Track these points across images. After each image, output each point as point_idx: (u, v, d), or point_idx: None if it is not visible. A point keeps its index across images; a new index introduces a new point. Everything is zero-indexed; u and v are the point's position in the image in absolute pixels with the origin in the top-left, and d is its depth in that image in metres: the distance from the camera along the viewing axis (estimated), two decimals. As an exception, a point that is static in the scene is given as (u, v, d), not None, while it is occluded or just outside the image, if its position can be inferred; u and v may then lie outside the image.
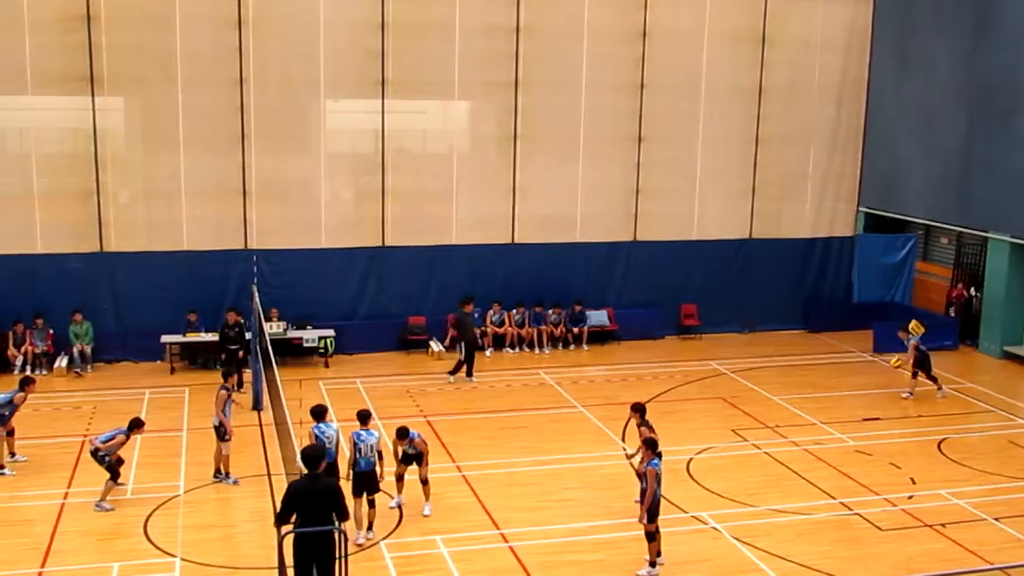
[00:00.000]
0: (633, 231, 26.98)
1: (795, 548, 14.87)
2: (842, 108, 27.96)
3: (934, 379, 22.34)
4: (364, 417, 15.33)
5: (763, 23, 26.86)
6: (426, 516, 15.65)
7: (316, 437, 14.93)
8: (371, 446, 14.89)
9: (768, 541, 15.06)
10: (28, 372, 22.61)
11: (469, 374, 23.26)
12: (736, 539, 15.13)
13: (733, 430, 20.05)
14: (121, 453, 16.40)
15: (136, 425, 16.43)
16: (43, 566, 14.08)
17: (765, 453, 18.81)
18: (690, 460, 18.26)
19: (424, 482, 15.71)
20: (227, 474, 16.94)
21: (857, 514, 16.18)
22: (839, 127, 28.06)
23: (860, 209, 29.08)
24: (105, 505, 15.98)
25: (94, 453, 16.18)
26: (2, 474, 17.25)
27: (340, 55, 24.56)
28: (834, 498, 16.75)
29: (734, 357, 25.45)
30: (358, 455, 14.81)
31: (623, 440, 19.14)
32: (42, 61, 23.00)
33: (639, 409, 16.11)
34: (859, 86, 28.00)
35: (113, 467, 16.14)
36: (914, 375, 22.30)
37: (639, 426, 15.89)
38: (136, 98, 24.23)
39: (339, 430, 15.82)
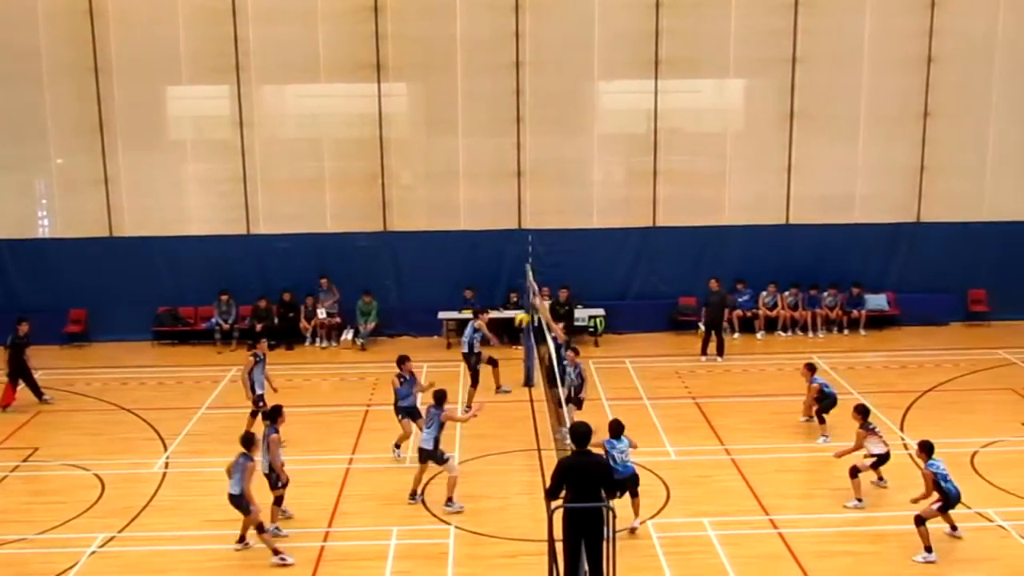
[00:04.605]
0: (916, 212, 25.64)
1: (1094, 553, 13.77)
2: None
3: None
4: (616, 429, 14.55)
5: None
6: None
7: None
8: (621, 451, 14.36)
9: (1063, 543, 14.02)
10: (317, 344, 24.74)
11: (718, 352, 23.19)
12: (1026, 539, 14.19)
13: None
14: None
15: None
16: (329, 526, 14.99)
17: (1061, 450, 17.50)
18: (975, 453, 17.20)
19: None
20: None
21: None
22: None
23: None
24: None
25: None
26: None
27: (614, 36, 24.68)
28: None
29: (1028, 346, 23.78)
30: (614, 463, 14.17)
31: (901, 430, 18.33)
32: (334, 50, 24.46)
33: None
34: None
35: None
36: None
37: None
38: (418, 84, 25.35)
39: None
